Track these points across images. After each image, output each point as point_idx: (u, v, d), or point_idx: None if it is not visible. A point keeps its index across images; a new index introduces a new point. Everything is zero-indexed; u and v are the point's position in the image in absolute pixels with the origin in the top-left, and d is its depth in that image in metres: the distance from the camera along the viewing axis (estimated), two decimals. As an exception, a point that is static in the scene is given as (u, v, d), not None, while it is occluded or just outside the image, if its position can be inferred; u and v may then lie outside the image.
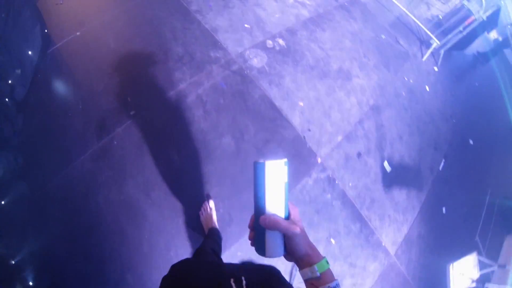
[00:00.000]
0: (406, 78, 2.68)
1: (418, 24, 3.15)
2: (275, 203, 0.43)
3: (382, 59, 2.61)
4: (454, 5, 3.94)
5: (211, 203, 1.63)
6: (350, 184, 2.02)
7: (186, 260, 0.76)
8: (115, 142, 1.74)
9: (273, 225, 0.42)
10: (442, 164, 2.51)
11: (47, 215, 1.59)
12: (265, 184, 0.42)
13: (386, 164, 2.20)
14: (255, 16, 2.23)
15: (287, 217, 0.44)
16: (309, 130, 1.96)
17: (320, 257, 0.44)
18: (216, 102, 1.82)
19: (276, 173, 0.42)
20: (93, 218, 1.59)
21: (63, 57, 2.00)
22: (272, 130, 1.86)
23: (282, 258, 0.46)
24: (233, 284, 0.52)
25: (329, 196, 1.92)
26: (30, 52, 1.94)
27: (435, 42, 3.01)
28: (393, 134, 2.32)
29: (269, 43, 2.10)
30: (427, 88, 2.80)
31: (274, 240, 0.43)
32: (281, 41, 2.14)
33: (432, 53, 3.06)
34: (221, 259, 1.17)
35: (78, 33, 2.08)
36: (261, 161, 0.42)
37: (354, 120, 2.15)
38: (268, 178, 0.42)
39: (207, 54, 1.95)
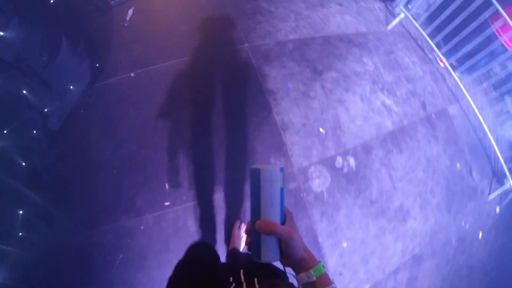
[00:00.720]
0: (463, 223, 2.38)
1: (497, 153, 2.73)
2: (271, 209, 0.43)
3: (447, 196, 2.29)
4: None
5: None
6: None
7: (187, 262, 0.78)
8: (142, 227, 1.61)
9: (269, 230, 0.42)
10: (456, 324, 2.34)
11: (57, 266, 1.56)
12: (260, 190, 0.42)
13: (400, 319, 2.04)
14: (335, 117, 1.91)
15: (283, 222, 0.44)
16: (341, 274, 1.77)
17: (316, 262, 0.44)
18: (259, 224, 1.62)
19: (271, 179, 0.42)
20: (101, 289, 1.55)
21: (109, 97, 1.81)
22: (305, 269, 1.68)
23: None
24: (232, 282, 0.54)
25: None
26: (72, 87, 1.73)
27: (509, 184, 2.63)
28: (423, 289, 2.12)
29: (339, 161, 1.82)
30: (480, 235, 2.51)
31: (269, 245, 0.43)
32: (352, 161, 1.85)
33: (501, 192, 2.70)
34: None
35: (132, 74, 1.84)
36: (256, 167, 0.43)
37: (389, 269, 1.94)
38: (263, 184, 0.42)
39: (267, 158, 1.70)
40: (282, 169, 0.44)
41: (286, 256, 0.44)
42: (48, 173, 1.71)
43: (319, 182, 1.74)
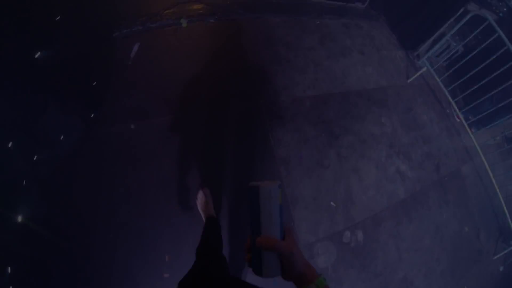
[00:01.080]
0: (465, 288, 2.35)
1: (505, 212, 2.68)
2: (270, 225, 0.44)
3: (453, 262, 2.25)
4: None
5: (206, 190, 1.56)
6: None
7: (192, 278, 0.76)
8: (138, 298, 1.54)
9: (269, 246, 0.43)
10: None
11: None
12: (260, 206, 0.43)
13: None
14: (347, 188, 1.83)
15: (283, 238, 0.45)
16: None
17: (316, 276, 0.44)
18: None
19: (270, 195, 0.43)
20: None
21: (106, 150, 1.67)
22: None
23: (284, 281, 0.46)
24: None
25: None
26: (62, 137, 1.62)
27: (516, 246, 2.59)
28: None
29: (347, 236, 1.75)
30: (480, 297, 2.49)
31: (270, 261, 0.44)
32: (360, 235, 1.79)
33: (506, 253, 2.66)
34: (225, 260, 1.12)
35: (132, 126, 1.71)
36: (255, 184, 0.44)
37: None
38: (262, 200, 0.43)
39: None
40: (280, 186, 0.45)
41: (287, 270, 0.45)
42: (39, 226, 1.62)
43: (324, 258, 1.69)
